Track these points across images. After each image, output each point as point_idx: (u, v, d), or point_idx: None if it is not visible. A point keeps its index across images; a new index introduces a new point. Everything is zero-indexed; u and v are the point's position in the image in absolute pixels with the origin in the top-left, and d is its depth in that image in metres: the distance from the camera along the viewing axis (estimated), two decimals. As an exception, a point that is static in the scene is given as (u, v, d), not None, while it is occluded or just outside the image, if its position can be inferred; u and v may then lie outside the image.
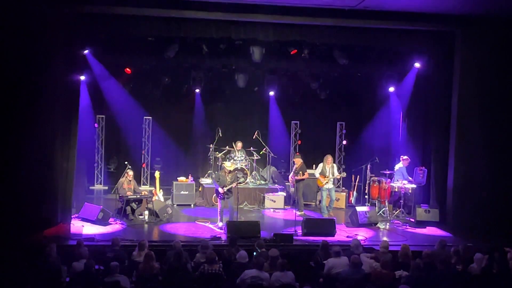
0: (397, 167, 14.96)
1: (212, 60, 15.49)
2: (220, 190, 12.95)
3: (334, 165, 14.82)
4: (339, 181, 17.21)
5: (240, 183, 13.09)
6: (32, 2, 11.67)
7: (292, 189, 15.45)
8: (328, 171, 14.46)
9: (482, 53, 13.35)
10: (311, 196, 16.16)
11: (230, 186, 12.95)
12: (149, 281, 8.59)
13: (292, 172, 15.24)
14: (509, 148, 13.41)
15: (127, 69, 15.84)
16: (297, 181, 14.83)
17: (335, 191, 15.24)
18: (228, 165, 13.49)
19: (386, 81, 16.61)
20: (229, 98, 17.83)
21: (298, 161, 15.15)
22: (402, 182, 14.56)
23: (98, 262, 9.09)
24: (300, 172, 14.84)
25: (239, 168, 16.10)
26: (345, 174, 15.16)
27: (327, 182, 14.42)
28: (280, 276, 8.55)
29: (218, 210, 13.23)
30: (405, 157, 14.90)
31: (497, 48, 13.28)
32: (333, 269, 9.05)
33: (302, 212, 14.60)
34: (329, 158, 14.71)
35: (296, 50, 14.58)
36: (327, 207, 14.59)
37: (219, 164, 16.32)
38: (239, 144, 16.54)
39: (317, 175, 14.60)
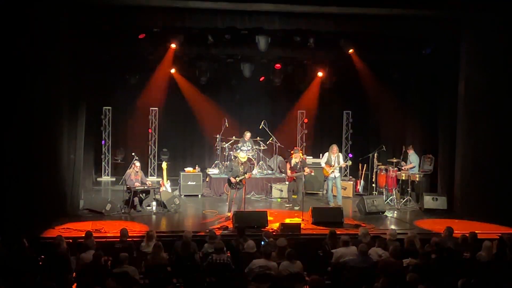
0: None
1: (218, 50, 15.46)
2: (232, 180, 12.95)
3: (340, 154, 14.51)
4: (346, 170, 17.20)
5: (245, 173, 13.02)
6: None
7: (293, 183, 14.49)
8: (333, 160, 14.25)
9: (490, 38, 13.25)
10: (318, 186, 16.15)
11: (242, 177, 12.95)
12: (158, 272, 8.61)
13: (290, 167, 14.30)
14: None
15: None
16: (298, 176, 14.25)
17: (342, 180, 15.17)
18: (242, 156, 13.46)
19: (392, 68, 16.55)
20: (235, 88, 17.82)
21: (298, 155, 14.26)
22: (407, 168, 14.54)
23: (106, 253, 9.14)
24: (305, 168, 14.11)
25: (245, 158, 16.09)
26: (350, 162, 14.91)
27: (332, 171, 14.24)
28: (288, 265, 8.56)
29: (228, 200, 13.24)
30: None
31: (504, 33, 13.18)
32: (341, 258, 9.06)
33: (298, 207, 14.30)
34: (334, 147, 14.45)
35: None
36: (334, 196, 14.46)
37: (226, 154, 16.32)
38: (248, 134, 16.47)
39: (323, 165, 14.46)
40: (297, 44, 14.71)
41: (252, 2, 12.57)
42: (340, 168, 14.62)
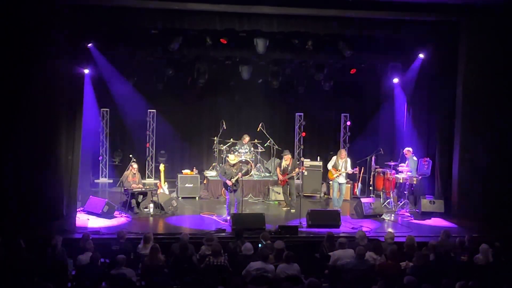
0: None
1: (216, 52, 15.44)
2: (228, 182, 12.92)
3: (348, 159, 14.24)
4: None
5: (245, 174, 12.99)
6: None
7: (286, 187, 14.55)
8: (340, 165, 14.06)
9: (487, 42, 13.28)
10: (315, 188, 16.13)
11: (237, 177, 12.93)
12: (155, 274, 8.61)
13: (281, 171, 14.41)
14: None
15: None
16: (289, 178, 14.34)
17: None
18: (232, 158, 13.45)
19: (390, 72, 16.55)
20: (233, 90, 17.79)
21: (289, 157, 14.40)
22: (406, 173, 14.51)
23: (103, 255, 9.13)
24: (295, 169, 14.30)
25: (243, 160, 16.06)
26: (357, 171, 14.66)
27: (338, 176, 14.07)
28: (286, 268, 8.56)
29: (227, 203, 13.18)
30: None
31: (501, 36, 13.21)
32: (338, 261, 9.06)
33: (294, 210, 14.23)
34: (342, 152, 14.30)
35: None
36: (337, 199, 14.34)
37: (224, 156, 16.30)
38: (247, 138, 16.45)
39: (330, 168, 14.25)
40: (295, 46, 14.71)
41: (251, 4, 12.58)
42: (347, 174, 14.35)
